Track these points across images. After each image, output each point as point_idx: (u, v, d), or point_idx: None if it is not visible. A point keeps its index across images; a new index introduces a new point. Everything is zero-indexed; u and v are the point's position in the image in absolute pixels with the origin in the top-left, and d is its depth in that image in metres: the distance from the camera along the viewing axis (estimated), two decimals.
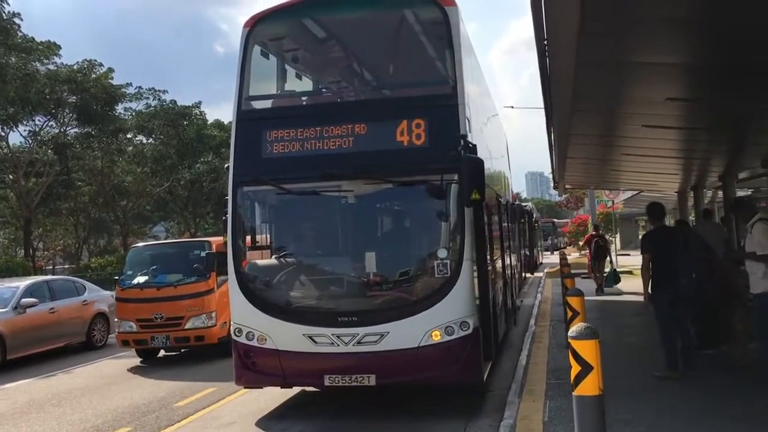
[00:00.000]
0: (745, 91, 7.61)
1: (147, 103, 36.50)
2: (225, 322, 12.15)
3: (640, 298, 9.26)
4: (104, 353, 14.46)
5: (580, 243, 33.80)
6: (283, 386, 8.21)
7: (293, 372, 7.65)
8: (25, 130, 31.16)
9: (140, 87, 35.82)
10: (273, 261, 8.29)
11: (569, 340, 4.64)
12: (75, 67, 31.00)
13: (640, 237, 9.62)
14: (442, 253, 7.43)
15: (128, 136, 36.70)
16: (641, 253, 8.53)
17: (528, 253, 25.77)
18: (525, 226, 23.95)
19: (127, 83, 34.27)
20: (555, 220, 67.10)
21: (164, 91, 37.06)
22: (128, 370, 12.29)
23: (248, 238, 8.25)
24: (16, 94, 27.16)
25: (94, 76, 31.38)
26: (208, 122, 41.72)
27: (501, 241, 11.74)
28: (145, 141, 38.92)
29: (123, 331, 12.74)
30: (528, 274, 25.27)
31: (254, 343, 7.70)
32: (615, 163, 15.78)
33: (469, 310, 7.33)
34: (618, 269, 19.88)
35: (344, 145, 7.63)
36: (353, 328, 7.37)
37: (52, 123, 31.98)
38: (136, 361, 12.95)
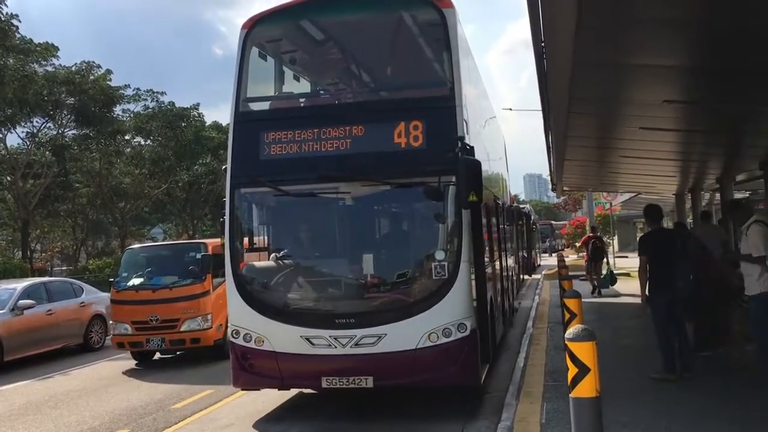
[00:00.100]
0: (742, 94, 7.61)
1: (145, 105, 36.42)
2: (221, 325, 12.16)
3: (638, 300, 9.28)
4: (101, 355, 14.43)
5: (577, 245, 33.84)
6: (280, 388, 8.21)
7: (291, 374, 7.65)
8: (22, 132, 31.13)
9: (138, 89, 35.73)
10: (270, 263, 8.28)
11: (566, 342, 4.65)
12: (73, 68, 30.94)
13: (638, 239, 9.62)
14: (440, 255, 7.42)
15: (126, 137, 36.59)
16: (639, 255, 8.53)
17: (526, 255, 25.78)
18: (523, 228, 23.97)
19: (125, 85, 34.23)
20: (553, 222, 67.15)
21: (162, 93, 37.04)
22: (125, 372, 12.27)
23: (246, 239, 8.26)
24: (14, 95, 27.11)
25: (92, 77, 31.32)
26: (207, 124, 41.64)
27: (498, 243, 11.75)
28: (143, 143, 38.83)
29: (118, 333, 12.69)
30: (526, 276, 25.29)
31: (252, 344, 7.70)
32: (613, 165, 15.79)
33: (466, 312, 7.33)
34: (615, 271, 19.90)
35: (342, 146, 7.63)
36: (351, 330, 7.37)
37: (50, 124, 31.91)
38: (134, 363, 12.93)
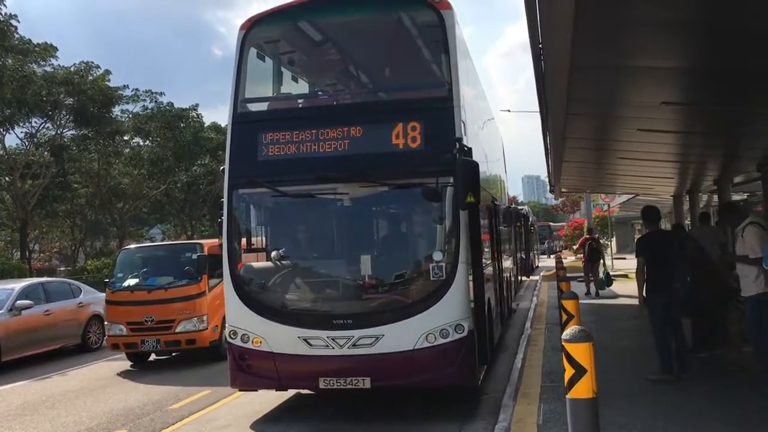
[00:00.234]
0: (740, 95, 7.63)
1: (144, 106, 36.47)
2: (216, 326, 12.11)
3: (635, 302, 9.28)
4: (99, 355, 14.40)
5: (575, 247, 33.86)
6: (278, 389, 8.20)
7: (288, 374, 7.64)
8: (21, 132, 31.12)
9: (137, 89, 35.79)
10: (268, 263, 8.28)
11: (563, 343, 4.65)
12: (72, 69, 30.92)
13: (636, 240, 9.63)
14: (437, 255, 7.42)
15: (125, 138, 36.59)
16: (636, 257, 8.55)
17: (524, 257, 25.81)
18: (521, 230, 23.98)
19: (124, 85, 34.28)
20: (551, 223, 67.22)
21: (161, 94, 37.12)
22: (123, 372, 12.25)
23: (244, 240, 8.25)
24: (13, 95, 27.10)
25: (91, 78, 31.30)
26: (205, 125, 41.65)
27: (496, 245, 11.76)
28: (141, 143, 38.84)
29: (113, 334, 12.63)
30: (524, 278, 25.31)
31: (249, 345, 7.69)
32: (611, 166, 15.81)
33: (464, 313, 7.34)
34: (613, 273, 19.91)
35: (340, 147, 7.63)
36: (348, 330, 7.37)
37: (48, 125, 31.89)
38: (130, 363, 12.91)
